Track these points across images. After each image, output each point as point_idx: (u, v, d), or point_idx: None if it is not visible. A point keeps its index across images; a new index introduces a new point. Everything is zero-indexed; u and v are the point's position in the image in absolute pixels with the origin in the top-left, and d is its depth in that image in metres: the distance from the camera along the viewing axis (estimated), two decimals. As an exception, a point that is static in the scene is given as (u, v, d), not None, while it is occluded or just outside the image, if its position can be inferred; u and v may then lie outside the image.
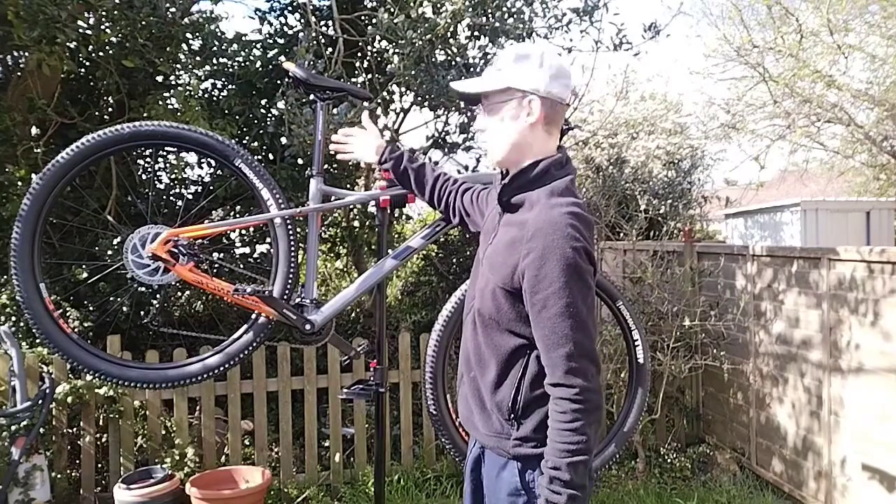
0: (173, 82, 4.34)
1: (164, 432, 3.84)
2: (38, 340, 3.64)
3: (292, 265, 2.22)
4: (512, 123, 1.55)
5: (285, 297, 2.21)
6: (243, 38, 4.37)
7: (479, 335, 1.60)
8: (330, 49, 3.74)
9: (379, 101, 4.24)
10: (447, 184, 2.02)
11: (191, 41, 4.08)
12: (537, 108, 1.53)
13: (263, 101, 4.46)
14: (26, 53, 3.74)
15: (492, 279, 1.54)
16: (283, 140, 4.07)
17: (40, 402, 3.37)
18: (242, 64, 4.45)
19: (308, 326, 2.19)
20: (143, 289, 4.07)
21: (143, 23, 3.51)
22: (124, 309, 4.08)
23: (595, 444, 1.44)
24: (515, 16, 3.84)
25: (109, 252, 3.75)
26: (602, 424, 4.35)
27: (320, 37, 3.78)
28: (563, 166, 1.57)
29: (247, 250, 4.86)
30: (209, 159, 4.03)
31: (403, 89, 4.43)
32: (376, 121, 4.48)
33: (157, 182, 4.65)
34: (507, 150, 1.57)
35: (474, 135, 4.63)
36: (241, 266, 4.40)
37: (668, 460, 4.25)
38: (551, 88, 1.53)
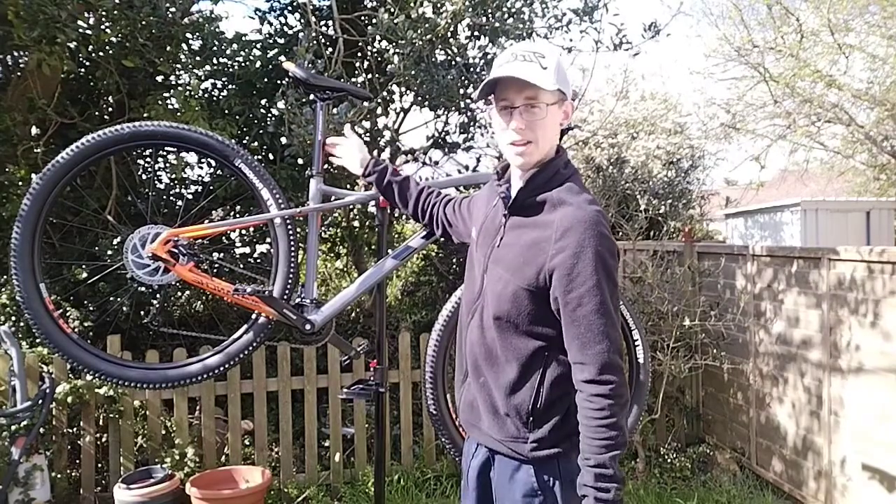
0: (173, 82, 4.34)
1: (164, 432, 3.84)
2: (38, 340, 3.64)
3: (292, 265, 2.22)
4: (556, 125, 1.57)
5: (285, 297, 2.21)
6: (243, 38, 4.37)
7: (493, 338, 1.57)
8: (330, 49, 3.74)
9: (379, 101, 4.24)
10: (430, 197, 2.03)
11: (191, 41, 4.08)
12: (570, 113, 1.61)
13: (263, 101, 4.46)
14: (26, 53, 3.74)
15: (513, 281, 1.52)
16: (283, 140, 4.07)
17: (40, 402, 3.37)
18: (242, 64, 4.45)
19: (308, 326, 2.19)
20: (143, 289, 4.07)
21: (143, 23, 3.51)
22: (124, 309, 4.08)
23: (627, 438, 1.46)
24: (515, 16, 3.84)
25: (109, 252, 3.75)
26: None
27: (320, 37, 3.78)
28: (568, 165, 1.60)
29: (247, 250, 4.85)
30: (209, 159, 4.02)
31: (403, 89, 4.43)
32: (376, 120, 4.49)
33: (157, 182, 4.65)
34: (548, 150, 1.58)
35: (474, 135, 4.63)
36: (241, 266, 4.40)
37: (668, 460, 4.25)
38: (570, 94, 1.59)
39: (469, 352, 1.66)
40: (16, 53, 3.95)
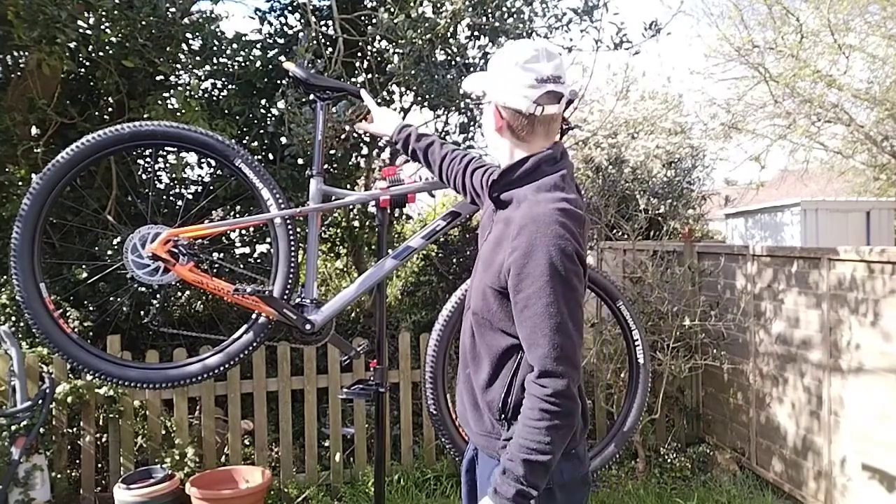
0: (173, 82, 4.34)
1: (164, 432, 3.84)
2: (38, 340, 3.64)
3: (292, 265, 2.23)
4: (489, 124, 1.62)
5: (285, 296, 2.21)
6: (243, 38, 4.37)
7: (475, 334, 1.60)
8: (330, 49, 3.74)
9: (379, 100, 4.24)
10: (453, 164, 1.94)
11: (191, 41, 4.08)
12: (499, 115, 1.59)
13: (263, 101, 4.46)
14: (26, 53, 3.74)
15: (483, 278, 1.54)
16: (283, 140, 4.07)
17: (40, 402, 3.37)
18: (242, 64, 4.44)
19: (308, 326, 2.19)
20: (143, 289, 4.07)
21: (143, 23, 3.51)
22: (124, 309, 4.08)
23: (560, 449, 1.40)
24: (515, 15, 3.84)
25: (109, 252, 3.75)
26: (603, 424, 4.36)
27: (320, 37, 3.78)
28: (556, 162, 1.53)
29: (247, 250, 4.85)
30: (209, 159, 4.03)
31: (403, 89, 4.43)
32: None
33: (157, 182, 4.65)
34: (502, 151, 1.62)
35: (474, 134, 4.63)
36: (241, 266, 4.40)
37: (668, 460, 4.25)
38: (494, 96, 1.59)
39: (460, 345, 1.69)
40: (16, 53, 3.95)
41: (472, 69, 4.09)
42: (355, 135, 4.08)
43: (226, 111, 4.33)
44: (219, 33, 4.12)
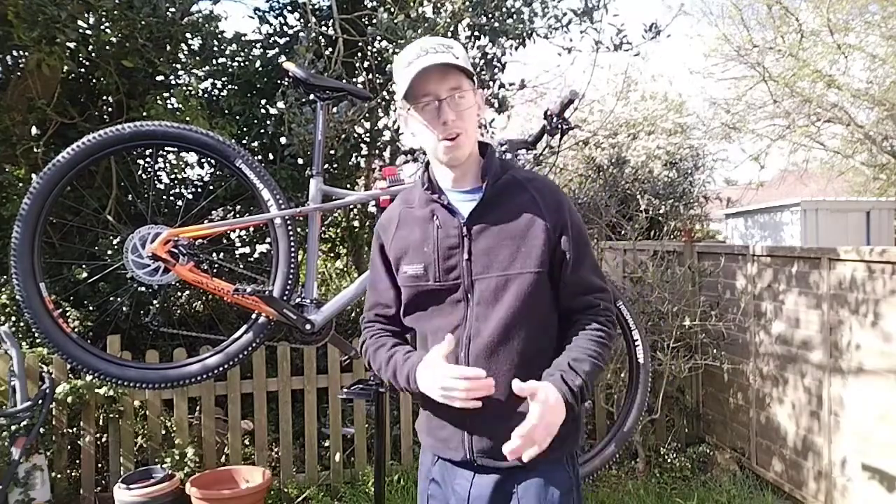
0: (173, 82, 4.34)
1: (164, 432, 3.84)
2: (38, 340, 3.64)
3: (292, 265, 2.23)
4: (475, 114, 1.53)
5: (285, 297, 2.21)
6: (243, 38, 4.37)
7: (506, 358, 1.45)
8: (330, 49, 3.74)
9: (379, 101, 4.24)
10: (385, 330, 1.64)
11: (190, 41, 4.08)
12: (482, 104, 1.59)
13: (263, 101, 4.46)
14: (26, 53, 3.73)
15: (527, 273, 1.45)
16: (283, 140, 4.07)
17: (40, 402, 3.37)
18: (242, 64, 4.44)
19: (308, 326, 2.19)
20: (143, 289, 4.07)
21: (143, 23, 3.51)
22: (124, 309, 4.08)
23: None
24: (515, 16, 3.83)
25: (109, 252, 3.75)
26: (603, 424, 4.36)
27: (320, 37, 3.78)
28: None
29: (247, 250, 4.85)
30: (209, 159, 4.02)
31: (403, 89, 4.42)
32: (376, 120, 4.48)
33: (157, 182, 4.65)
34: (475, 142, 1.54)
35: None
36: (241, 266, 4.40)
37: (668, 460, 4.25)
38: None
39: (490, 359, 1.47)
40: (16, 53, 3.95)
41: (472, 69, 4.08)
42: (355, 135, 4.08)
43: (226, 111, 4.33)
44: (218, 33, 4.13)
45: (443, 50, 1.44)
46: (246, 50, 4.41)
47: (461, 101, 1.45)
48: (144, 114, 3.79)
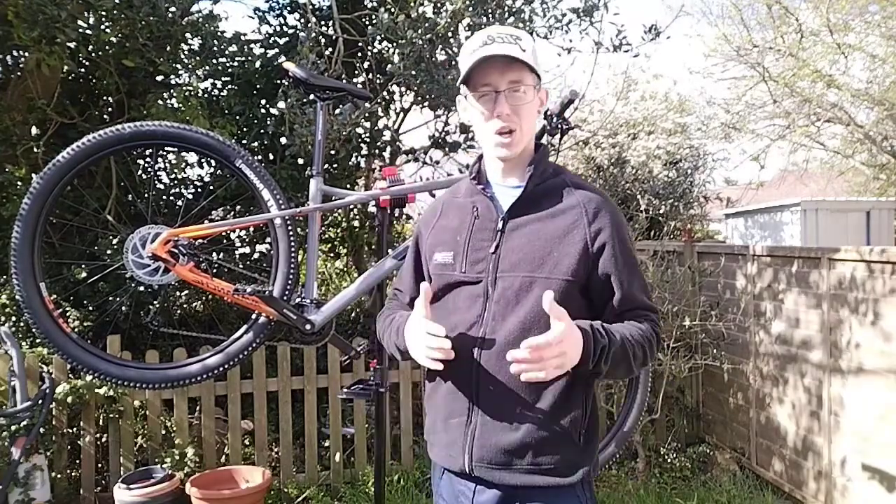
0: (173, 82, 4.34)
1: (164, 432, 3.84)
2: (38, 340, 3.64)
3: (292, 265, 2.22)
4: (535, 111, 1.48)
5: (285, 297, 2.21)
6: (243, 38, 4.37)
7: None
8: (330, 49, 3.74)
9: (379, 100, 4.24)
10: (401, 301, 1.68)
11: (190, 41, 4.07)
12: (545, 101, 1.52)
13: (263, 101, 4.46)
14: (26, 53, 3.73)
15: (554, 280, 1.37)
16: (283, 140, 4.07)
17: (40, 402, 3.37)
18: (242, 64, 4.44)
19: (308, 326, 2.19)
20: (143, 289, 4.07)
21: (143, 23, 3.51)
22: (124, 309, 4.08)
23: (639, 367, 1.42)
24: (515, 16, 3.83)
25: (109, 252, 3.75)
26: (603, 424, 4.36)
27: (320, 37, 3.78)
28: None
29: (247, 250, 4.85)
30: (210, 159, 4.03)
31: (403, 89, 4.43)
32: (377, 121, 4.48)
33: (157, 182, 4.64)
34: (530, 140, 1.49)
35: (474, 134, 4.62)
36: (241, 266, 4.40)
37: (668, 460, 4.25)
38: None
39: (486, 386, 1.41)
40: (15, 53, 3.94)
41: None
42: (356, 135, 4.08)
43: (226, 111, 4.33)
44: (218, 33, 4.12)
45: (510, 41, 1.39)
46: (246, 50, 4.40)
47: (519, 94, 1.40)
48: (145, 113, 3.79)
